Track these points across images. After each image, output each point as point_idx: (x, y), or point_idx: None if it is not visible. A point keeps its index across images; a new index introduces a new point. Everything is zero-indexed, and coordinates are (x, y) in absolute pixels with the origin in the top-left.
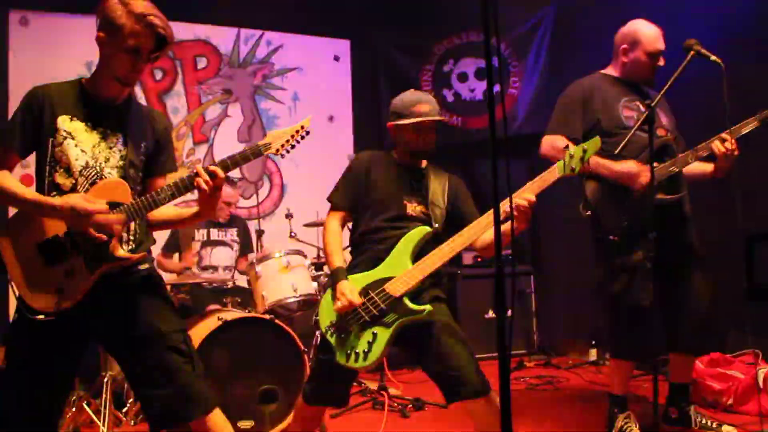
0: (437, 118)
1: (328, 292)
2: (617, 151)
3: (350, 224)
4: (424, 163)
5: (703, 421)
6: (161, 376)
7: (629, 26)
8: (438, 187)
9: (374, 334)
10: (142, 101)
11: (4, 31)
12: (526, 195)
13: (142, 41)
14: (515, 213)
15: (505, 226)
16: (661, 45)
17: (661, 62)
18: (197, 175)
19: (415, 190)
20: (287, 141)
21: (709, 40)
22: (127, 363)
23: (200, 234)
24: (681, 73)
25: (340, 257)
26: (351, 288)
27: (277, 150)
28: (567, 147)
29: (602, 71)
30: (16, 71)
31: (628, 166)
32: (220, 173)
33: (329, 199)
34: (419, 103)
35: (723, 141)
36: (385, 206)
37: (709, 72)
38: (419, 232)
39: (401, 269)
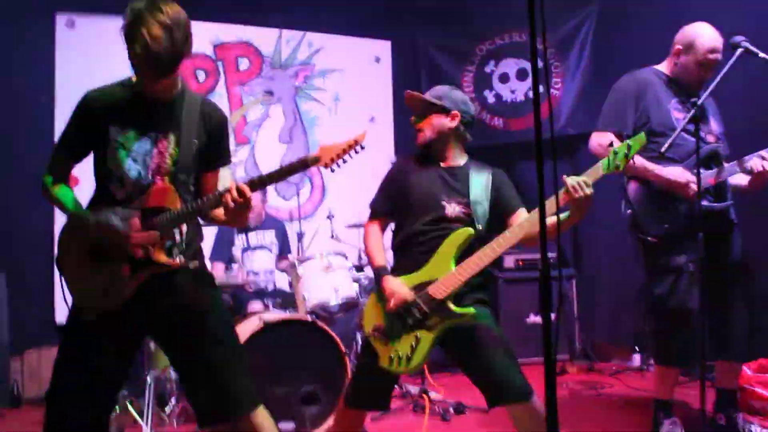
0: (423, 96)
1: (372, 295)
2: (663, 149)
3: (393, 227)
4: (463, 161)
5: (752, 429)
6: (209, 372)
7: (690, 28)
8: (480, 184)
9: (417, 338)
10: None
11: (51, 34)
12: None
13: (134, 62)
14: (574, 195)
15: (552, 220)
16: (714, 56)
17: (709, 75)
18: (228, 190)
19: (454, 191)
20: (337, 155)
21: (761, 40)
22: (176, 358)
23: (240, 240)
24: (729, 72)
25: (382, 256)
26: (399, 283)
27: (327, 164)
28: (611, 144)
29: (656, 66)
30: (63, 73)
31: (677, 173)
32: (248, 193)
33: (370, 206)
34: None
35: (762, 159)
36: (424, 209)
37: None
38: (462, 233)
39: (444, 271)
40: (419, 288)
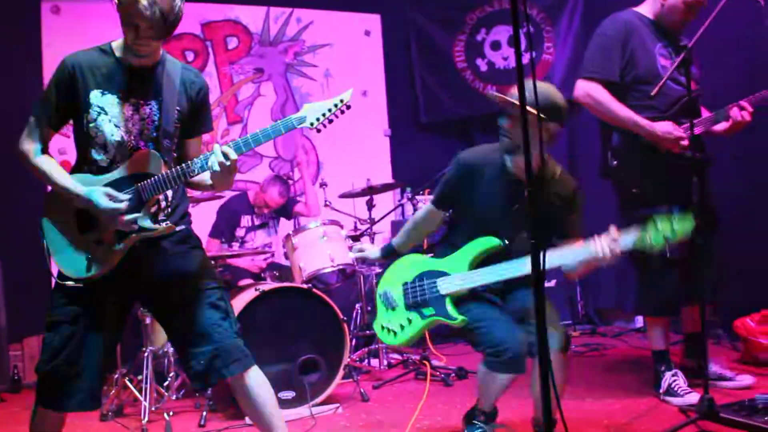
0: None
1: (396, 261)
2: (653, 93)
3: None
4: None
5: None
6: (200, 333)
7: None
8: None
9: (409, 320)
10: None
11: (37, 21)
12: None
13: (135, 19)
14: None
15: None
16: None
17: (692, 17)
18: (213, 153)
19: (518, 216)
20: (323, 114)
21: None
22: (167, 322)
23: (246, 220)
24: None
25: (403, 236)
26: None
27: (312, 124)
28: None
29: (636, 9)
30: (50, 60)
31: (667, 128)
32: (232, 155)
33: (434, 193)
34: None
35: (741, 108)
36: (482, 226)
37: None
38: (488, 242)
39: (458, 270)
40: (433, 275)
